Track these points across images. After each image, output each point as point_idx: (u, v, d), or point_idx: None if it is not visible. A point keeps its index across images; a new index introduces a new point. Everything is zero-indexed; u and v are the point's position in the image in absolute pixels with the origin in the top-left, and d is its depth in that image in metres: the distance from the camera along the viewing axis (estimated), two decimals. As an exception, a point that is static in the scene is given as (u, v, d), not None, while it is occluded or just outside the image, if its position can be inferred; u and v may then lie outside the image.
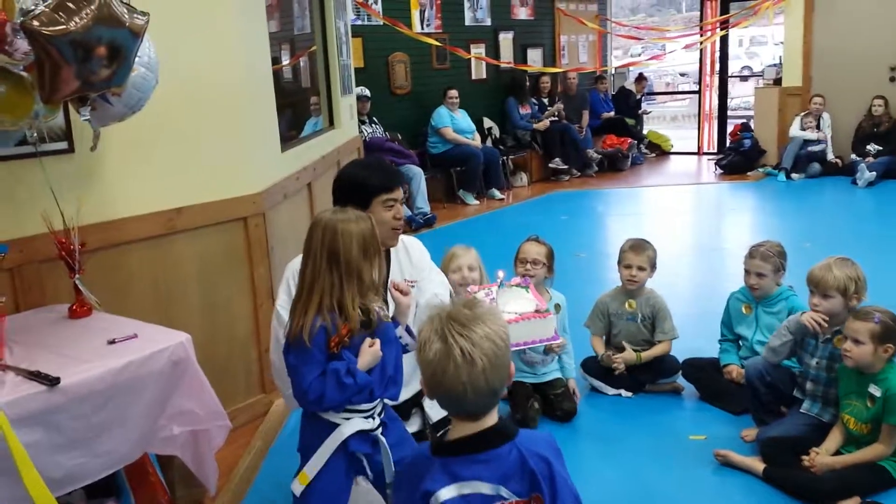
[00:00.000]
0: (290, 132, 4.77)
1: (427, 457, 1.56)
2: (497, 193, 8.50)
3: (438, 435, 1.56)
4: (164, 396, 2.18)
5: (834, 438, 2.77)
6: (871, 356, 2.63)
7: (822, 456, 2.69)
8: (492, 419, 1.53)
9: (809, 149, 8.74)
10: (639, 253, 3.46)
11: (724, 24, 10.40)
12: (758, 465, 2.79)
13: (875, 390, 2.64)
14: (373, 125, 7.83)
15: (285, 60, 5.20)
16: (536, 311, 2.18)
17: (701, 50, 10.92)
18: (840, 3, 8.82)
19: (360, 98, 7.09)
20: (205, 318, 3.20)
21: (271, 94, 3.78)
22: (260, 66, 3.66)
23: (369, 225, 2.08)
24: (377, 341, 2.07)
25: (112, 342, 2.18)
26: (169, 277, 3.07)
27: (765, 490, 2.71)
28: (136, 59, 2.21)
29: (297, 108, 5.40)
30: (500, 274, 2.31)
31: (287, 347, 2.06)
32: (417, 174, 7.45)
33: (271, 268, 3.51)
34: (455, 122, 8.41)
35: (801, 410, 2.95)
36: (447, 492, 1.49)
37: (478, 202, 8.29)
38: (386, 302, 2.33)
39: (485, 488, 1.48)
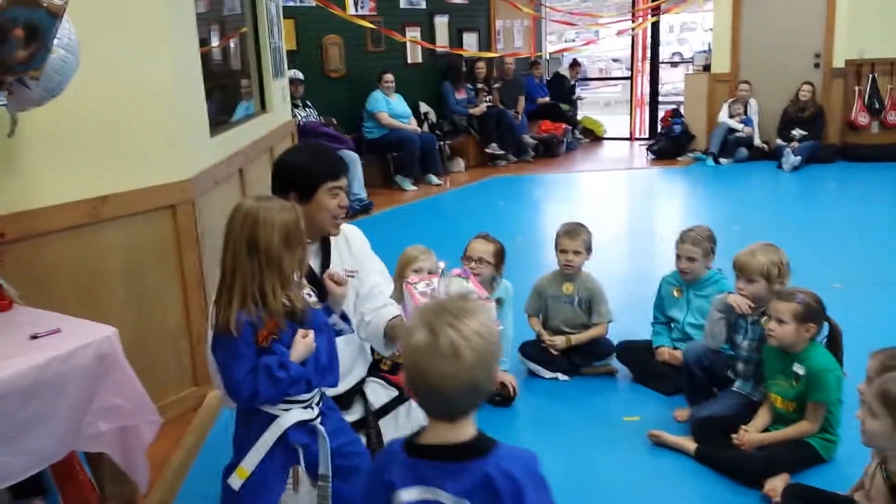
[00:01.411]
0: (220, 117, 4.64)
1: (398, 451, 1.49)
2: (434, 179, 8.48)
3: (414, 432, 1.51)
4: (90, 392, 2.10)
5: (762, 417, 2.85)
6: (794, 335, 2.71)
7: (751, 434, 2.77)
8: (469, 430, 1.45)
9: (737, 134, 8.97)
10: (574, 237, 3.49)
11: (656, 11, 10.56)
12: (690, 444, 2.86)
13: (799, 369, 2.72)
14: (307, 109, 7.71)
15: (214, 42, 5.05)
16: (477, 298, 2.17)
17: (633, 36, 11.08)
18: (767, -12, 9.05)
19: (292, 81, 6.96)
20: (133, 310, 3.09)
21: (199, 76, 3.66)
22: (187, 48, 3.54)
23: (294, 215, 2.02)
24: (311, 332, 2.03)
25: (35, 337, 2.08)
26: (94, 269, 2.95)
27: (697, 469, 2.78)
28: (56, 40, 2.11)
29: (227, 92, 5.25)
30: (441, 265, 2.30)
31: (214, 344, 2.00)
32: (354, 159, 7.36)
33: (202, 257, 3.42)
34: (391, 107, 8.34)
35: (732, 389, 3.03)
36: (409, 493, 1.44)
37: (415, 188, 8.26)
38: (322, 291, 2.29)
39: (446, 499, 1.42)
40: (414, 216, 7.11)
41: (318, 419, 2.08)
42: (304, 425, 2.05)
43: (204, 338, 3.41)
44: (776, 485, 2.56)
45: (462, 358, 1.36)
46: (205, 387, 3.43)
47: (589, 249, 3.54)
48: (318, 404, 2.10)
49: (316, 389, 2.08)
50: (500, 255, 3.40)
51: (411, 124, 8.49)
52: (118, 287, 3.05)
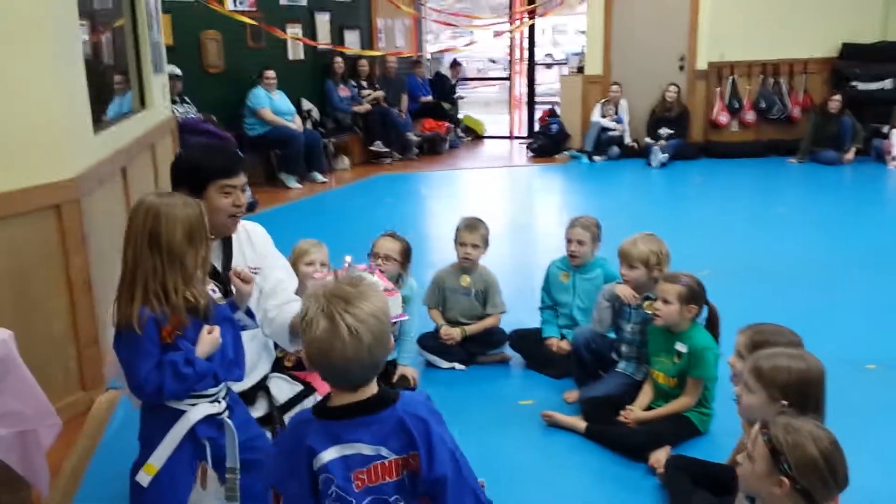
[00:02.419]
0: (94, 113, 4.47)
1: (309, 419, 1.61)
2: (319, 177, 8.44)
3: (320, 400, 1.62)
4: (-14, 398, 2.03)
5: (645, 394, 3.07)
6: (678, 315, 2.92)
7: (636, 412, 2.98)
8: (372, 389, 1.60)
9: (609, 133, 9.41)
10: (473, 231, 3.62)
11: (532, 14, 10.91)
12: (580, 423, 3.04)
13: (681, 347, 2.95)
14: (185, 105, 7.50)
15: (85, 37, 4.85)
16: (385, 290, 2.24)
17: (511, 38, 11.40)
18: (637, -5, 9.53)
19: (171, 77, 6.76)
20: (17, 315, 2.95)
21: (81, 68, 3.54)
22: (69, 40, 3.41)
23: (197, 211, 2.02)
24: (216, 328, 2.03)
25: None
26: (-26, 272, 2.82)
27: (588, 445, 2.95)
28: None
29: (99, 88, 5.06)
30: (348, 258, 2.34)
31: (117, 340, 1.97)
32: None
33: (88, 259, 3.31)
34: (273, 104, 8.24)
35: (617, 370, 3.24)
36: (328, 453, 1.55)
37: (300, 186, 8.19)
38: (228, 288, 2.29)
39: (365, 449, 1.56)
40: (300, 214, 7.06)
41: (226, 413, 2.09)
42: (211, 419, 2.05)
43: (93, 341, 3.32)
44: (660, 457, 2.76)
45: (362, 340, 1.50)
46: (93, 391, 3.33)
47: (486, 243, 3.68)
48: (224, 398, 2.11)
49: (223, 384, 2.09)
50: (406, 254, 3.47)
51: (295, 122, 8.42)
52: (1, 291, 2.91)
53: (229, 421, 2.07)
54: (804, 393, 1.99)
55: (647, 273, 3.08)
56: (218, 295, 2.14)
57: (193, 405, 2.01)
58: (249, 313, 2.32)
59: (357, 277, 1.61)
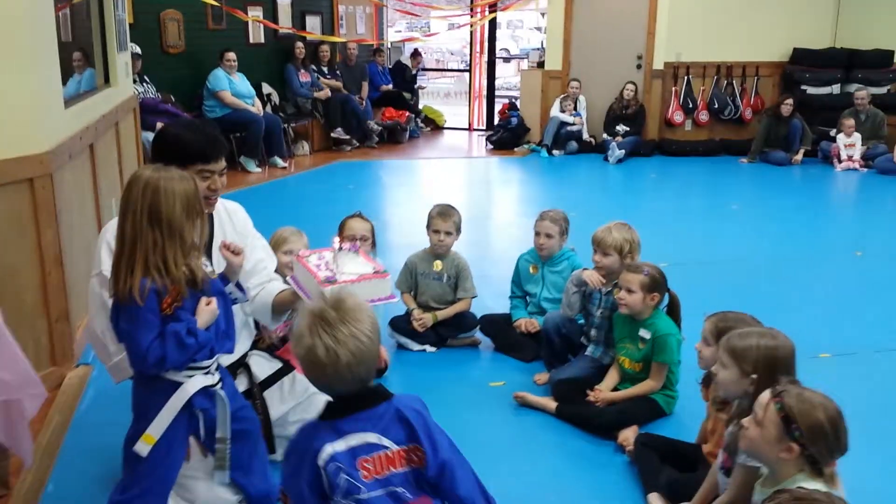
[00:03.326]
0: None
1: (315, 423, 1.72)
2: (279, 161, 8.39)
3: (321, 410, 1.75)
4: (-28, 366, 2.01)
5: (612, 377, 3.18)
6: (641, 303, 3.04)
7: (604, 392, 3.09)
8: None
9: (567, 128, 9.56)
10: (446, 219, 3.68)
11: (493, 7, 10.99)
12: (551, 404, 3.14)
13: (645, 333, 3.06)
14: (144, 84, 7.39)
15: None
16: (375, 272, 2.28)
17: (472, 31, 11.46)
18: (597, -7, 9.68)
19: (131, 56, 6.64)
20: (-11, 286, 2.93)
21: (53, 40, 3.49)
22: (42, 8, 3.36)
23: (192, 185, 2.06)
24: (213, 299, 2.07)
25: None
26: (-54, 243, 2.77)
27: (558, 425, 3.06)
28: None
29: (66, 63, 4.95)
30: (336, 240, 2.38)
31: (116, 312, 1.99)
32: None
33: (60, 233, 3.28)
34: (233, 86, 8.16)
35: (585, 354, 3.35)
36: (334, 446, 1.65)
37: (259, 170, 8.14)
38: (210, 262, 2.31)
39: (369, 437, 1.66)
40: (261, 198, 7.00)
41: (219, 384, 2.12)
42: (204, 391, 2.08)
43: (64, 315, 3.29)
44: (628, 435, 2.88)
45: (340, 359, 1.62)
46: (64, 367, 3.30)
47: (459, 230, 3.75)
48: (216, 370, 2.14)
49: (216, 356, 2.12)
50: (373, 233, 3.52)
51: (255, 105, 8.35)
52: (-27, 263, 2.87)
53: (222, 392, 2.10)
54: (772, 367, 2.12)
55: (620, 260, 3.18)
56: (210, 269, 2.16)
57: (190, 377, 2.04)
58: (239, 286, 2.34)
59: (340, 300, 1.68)
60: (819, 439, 1.81)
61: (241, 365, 2.67)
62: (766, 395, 1.88)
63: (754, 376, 2.13)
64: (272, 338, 2.96)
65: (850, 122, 8.61)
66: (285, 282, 2.61)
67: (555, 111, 9.59)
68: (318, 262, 2.35)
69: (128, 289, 1.92)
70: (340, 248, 2.32)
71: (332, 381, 1.66)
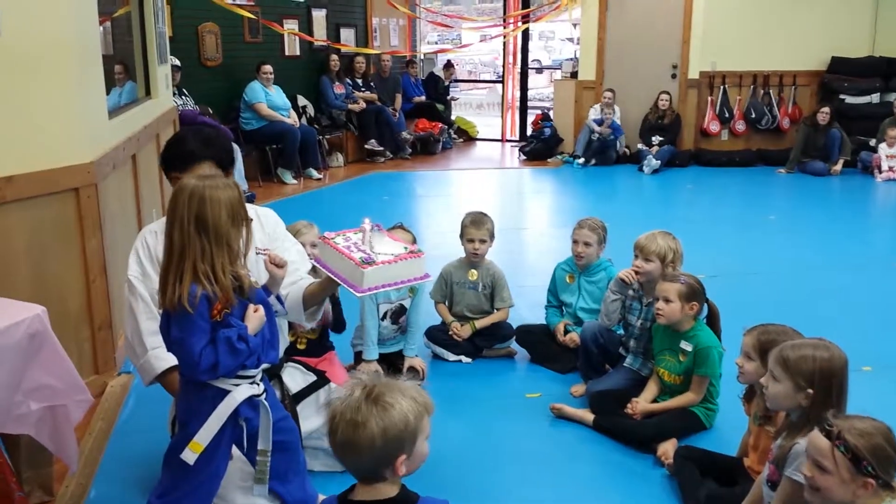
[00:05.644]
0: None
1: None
2: (314, 173, 8.47)
3: (346, 489, 1.69)
4: (21, 371, 2.05)
5: (650, 389, 3.14)
6: (680, 313, 3.00)
7: (643, 404, 3.05)
8: (392, 490, 1.64)
9: (594, 134, 9.42)
10: (479, 227, 3.68)
11: (526, 18, 11.00)
12: (588, 416, 3.11)
13: (686, 346, 3.02)
14: (183, 97, 7.50)
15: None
16: (410, 252, 2.29)
17: (504, 42, 11.48)
18: (630, 3, 9.63)
19: (171, 68, 6.76)
20: (35, 294, 2.96)
21: (98, 54, 3.57)
22: (87, 25, 3.44)
23: (237, 192, 2.07)
24: (260, 307, 2.08)
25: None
26: (-4, 250, 2.84)
27: (596, 437, 3.03)
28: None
29: (108, 74, 5.06)
30: (367, 220, 2.39)
31: (166, 322, 2.01)
32: (234, 150, 7.23)
33: (104, 242, 3.34)
34: (270, 98, 8.25)
35: (624, 365, 3.32)
36: None
37: (295, 181, 8.22)
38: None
39: None
40: (297, 209, 7.05)
41: (264, 395, 2.13)
42: (249, 401, 2.09)
43: (107, 324, 3.34)
44: (667, 448, 2.84)
45: (364, 429, 1.56)
46: (105, 375, 3.35)
47: (493, 237, 3.75)
48: (261, 380, 2.16)
49: (262, 365, 2.13)
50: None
51: (290, 117, 8.44)
52: (20, 270, 2.95)
53: (266, 402, 2.11)
54: (828, 382, 2.07)
55: (661, 268, 3.15)
56: (253, 278, 2.18)
57: (237, 385, 2.05)
58: (279, 299, 2.36)
59: (358, 400, 1.62)
60: (888, 465, 1.77)
61: (275, 377, 2.68)
62: (822, 442, 1.81)
63: (810, 391, 2.08)
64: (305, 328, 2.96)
65: (894, 131, 8.45)
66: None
67: (593, 115, 9.44)
68: (346, 244, 2.35)
69: (177, 297, 1.93)
70: (373, 229, 2.33)
71: (346, 455, 1.63)
